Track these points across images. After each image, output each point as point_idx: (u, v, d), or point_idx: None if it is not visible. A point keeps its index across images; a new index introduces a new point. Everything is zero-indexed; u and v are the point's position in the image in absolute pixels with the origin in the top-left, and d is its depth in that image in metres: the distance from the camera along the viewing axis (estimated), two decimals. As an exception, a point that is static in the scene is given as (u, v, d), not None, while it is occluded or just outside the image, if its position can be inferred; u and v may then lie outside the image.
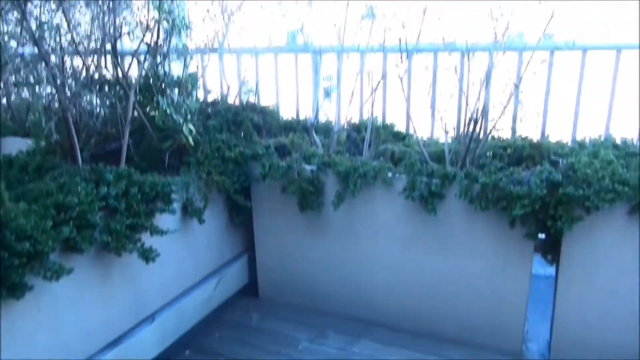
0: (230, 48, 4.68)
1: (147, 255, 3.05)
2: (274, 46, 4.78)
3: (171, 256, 3.54)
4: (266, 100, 5.01)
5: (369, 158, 3.82)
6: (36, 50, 3.05)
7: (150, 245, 3.08)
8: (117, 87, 3.72)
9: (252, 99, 4.88)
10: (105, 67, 3.93)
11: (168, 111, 3.45)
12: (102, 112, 3.82)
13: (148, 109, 3.87)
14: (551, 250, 3.38)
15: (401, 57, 4.04)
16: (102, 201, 2.89)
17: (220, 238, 4.12)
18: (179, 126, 3.54)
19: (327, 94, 4.36)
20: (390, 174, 3.58)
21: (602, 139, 3.79)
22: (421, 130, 4.42)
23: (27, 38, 2.94)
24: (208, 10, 4.42)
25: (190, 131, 3.64)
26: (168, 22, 3.42)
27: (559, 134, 4.10)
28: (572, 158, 3.18)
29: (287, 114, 4.99)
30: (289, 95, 5.14)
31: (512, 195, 3.07)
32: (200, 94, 4.76)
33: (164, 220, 3.27)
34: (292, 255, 4.16)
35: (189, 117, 3.58)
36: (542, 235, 3.34)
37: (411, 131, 4.36)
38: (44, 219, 2.53)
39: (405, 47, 4.01)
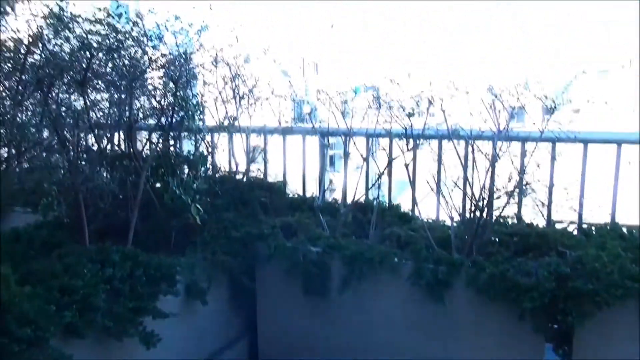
0: (240, 127, 4.81)
1: (149, 340, 2.98)
2: (283, 126, 4.90)
3: (171, 338, 3.45)
4: (273, 177, 5.08)
5: (375, 242, 3.82)
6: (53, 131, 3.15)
7: (151, 329, 3.01)
8: (129, 164, 3.79)
9: (260, 175, 4.96)
10: (119, 143, 4.04)
11: (177, 192, 3.50)
12: (112, 187, 3.87)
13: (157, 184, 3.93)
14: (563, 341, 3.29)
15: (407, 142, 4.15)
16: (106, 283, 2.87)
17: (222, 320, 4.03)
18: (187, 206, 3.57)
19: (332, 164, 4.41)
20: (396, 259, 3.56)
21: (609, 227, 3.79)
22: (427, 211, 4.45)
23: (47, 122, 3.05)
24: (220, 93, 4.59)
25: (198, 211, 3.67)
26: (182, 107, 3.55)
27: (565, 215, 4.11)
28: (580, 250, 3.17)
29: (294, 186, 5.03)
30: (296, 173, 5.22)
31: (520, 287, 3.04)
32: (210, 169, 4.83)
33: (166, 301, 3.22)
34: (295, 339, 4.05)
35: (197, 197, 3.62)
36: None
37: (417, 213, 4.38)
38: (48, 303, 2.51)
39: (411, 132, 4.13)
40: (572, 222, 3.90)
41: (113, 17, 3.22)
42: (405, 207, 4.60)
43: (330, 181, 4.76)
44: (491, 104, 3.82)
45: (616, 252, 3.07)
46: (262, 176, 5.02)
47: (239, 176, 4.86)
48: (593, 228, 3.76)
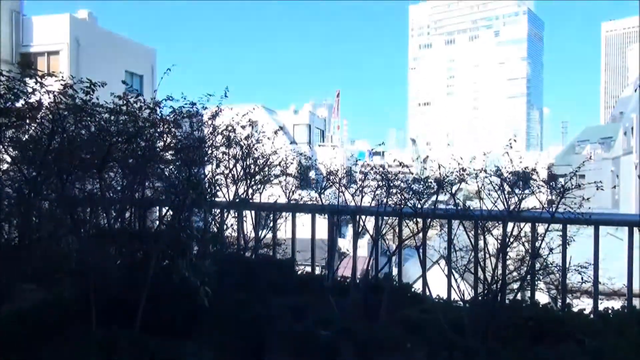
0: (250, 204, 4.86)
1: None
2: (292, 203, 4.95)
3: None
4: (282, 254, 5.06)
5: (386, 325, 3.73)
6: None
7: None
8: (140, 245, 3.80)
9: (270, 252, 4.94)
10: (131, 224, 4.07)
11: (187, 274, 3.48)
12: (120, 270, 3.86)
13: (167, 263, 3.91)
14: None
15: (416, 222, 4.15)
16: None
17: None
18: (196, 288, 3.53)
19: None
20: (409, 345, 3.46)
21: (626, 311, 3.70)
22: (438, 289, 4.37)
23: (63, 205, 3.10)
24: (230, 171, 4.68)
25: (207, 293, 3.62)
26: (194, 188, 3.60)
27: (581, 298, 4.02)
28: (598, 337, 3.08)
29: (302, 255, 4.99)
30: (305, 250, 5.19)
31: (539, 378, 2.93)
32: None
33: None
34: None
35: (206, 279, 3.59)
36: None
37: (428, 293, 4.30)
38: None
39: (421, 211, 4.14)
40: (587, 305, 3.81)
41: (131, 105, 3.35)
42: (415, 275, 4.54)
43: (341, 254, 4.72)
44: (500, 185, 3.86)
45: (637, 340, 2.97)
46: (271, 253, 5.01)
47: (248, 253, 4.84)
48: (610, 312, 3.66)
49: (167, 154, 3.72)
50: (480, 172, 3.99)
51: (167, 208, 3.84)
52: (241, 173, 4.65)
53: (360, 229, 4.33)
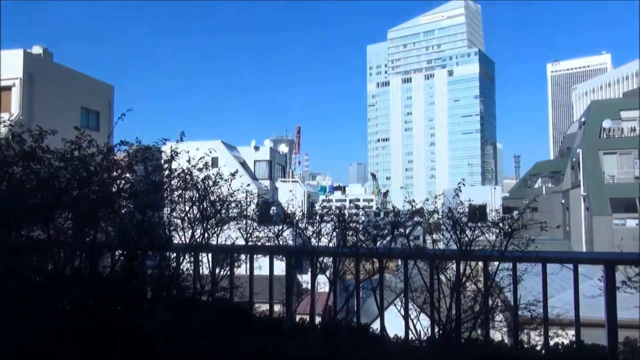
0: (207, 246, 4.78)
1: None
2: (250, 245, 4.90)
3: None
4: (240, 296, 4.98)
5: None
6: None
7: None
8: (89, 291, 3.67)
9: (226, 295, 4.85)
10: (81, 269, 3.94)
11: (139, 322, 3.38)
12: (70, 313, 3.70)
13: (119, 309, 3.79)
14: None
15: (372, 263, 4.20)
16: None
17: None
18: (149, 339, 3.43)
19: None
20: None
21: (575, 346, 3.81)
22: (396, 329, 4.39)
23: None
24: (187, 214, 4.62)
25: (161, 343, 3.52)
26: (148, 235, 3.54)
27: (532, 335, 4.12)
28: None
29: (264, 296, 4.92)
30: (263, 291, 5.13)
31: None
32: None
33: None
34: None
35: (160, 328, 3.50)
36: None
37: (386, 334, 4.31)
38: None
39: (377, 252, 4.20)
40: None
41: (83, 149, 3.30)
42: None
43: (303, 290, 4.69)
44: (452, 225, 3.97)
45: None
46: (228, 296, 4.92)
47: (204, 297, 4.74)
48: (560, 347, 3.77)
49: (120, 198, 3.65)
50: (433, 213, 4.10)
51: (119, 253, 3.74)
52: (198, 215, 4.60)
53: (317, 270, 4.33)
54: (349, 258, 4.31)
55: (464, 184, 4.07)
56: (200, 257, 4.82)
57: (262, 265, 4.88)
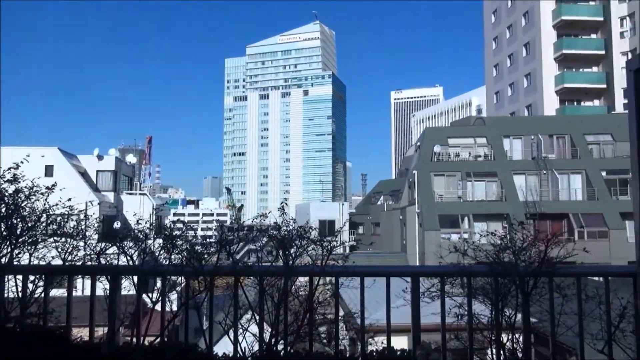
0: (14, 267, 4.27)
1: None
2: (68, 265, 4.48)
3: None
4: (55, 321, 4.53)
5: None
6: None
7: None
8: None
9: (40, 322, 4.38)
10: None
11: None
12: None
13: None
14: None
15: (202, 281, 4.14)
16: None
17: None
18: None
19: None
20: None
21: (386, 352, 4.17)
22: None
23: None
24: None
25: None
26: None
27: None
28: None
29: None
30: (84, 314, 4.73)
31: None
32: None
33: None
34: None
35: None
36: None
37: (214, 352, 4.26)
38: None
39: (202, 269, 4.15)
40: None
41: None
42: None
43: (122, 322, 4.42)
44: (280, 242, 4.11)
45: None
46: (41, 322, 4.45)
47: (10, 325, 4.22)
48: (375, 354, 4.08)
49: None
50: (268, 230, 4.21)
51: None
52: (5, 233, 4.10)
53: (142, 289, 4.14)
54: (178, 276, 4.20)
55: (286, 204, 4.24)
56: (6, 280, 4.30)
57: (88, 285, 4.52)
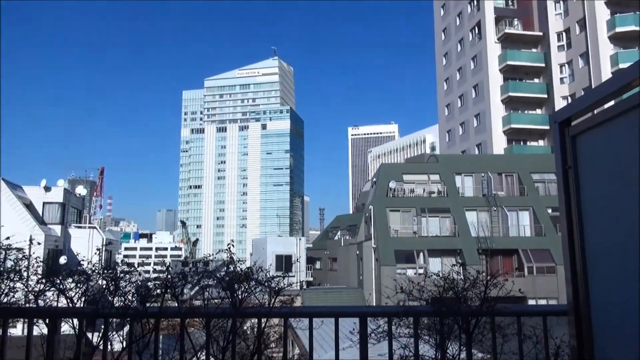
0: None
1: None
2: (3, 306, 4.26)
3: None
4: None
5: None
6: None
7: None
8: None
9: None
10: None
11: None
12: None
13: None
14: None
15: (146, 323, 4.03)
16: None
17: None
18: None
19: None
20: None
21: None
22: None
23: None
24: None
25: None
26: None
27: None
28: None
29: None
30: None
31: None
32: None
33: None
34: None
35: None
36: None
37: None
38: None
39: (146, 311, 4.05)
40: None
41: None
42: None
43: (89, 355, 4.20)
44: (227, 284, 4.07)
45: None
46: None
47: None
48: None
49: None
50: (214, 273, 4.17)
51: None
52: None
53: (82, 334, 3.97)
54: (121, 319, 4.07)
55: (233, 245, 4.23)
56: None
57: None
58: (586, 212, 2.57)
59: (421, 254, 29.85)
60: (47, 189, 32.81)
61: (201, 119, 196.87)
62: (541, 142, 43.30)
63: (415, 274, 28.19)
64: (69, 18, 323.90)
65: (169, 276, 3.87)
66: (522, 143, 43.22)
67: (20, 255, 4.40)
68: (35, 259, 4.71)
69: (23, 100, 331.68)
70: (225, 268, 4.48)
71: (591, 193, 2.55)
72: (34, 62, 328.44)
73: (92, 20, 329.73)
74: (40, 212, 31.62)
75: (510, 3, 45.91)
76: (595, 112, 2.49)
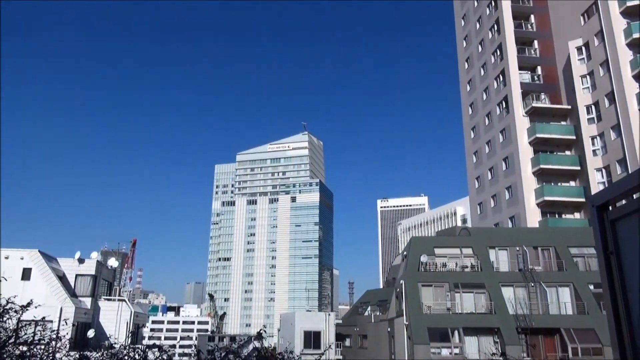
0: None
1: None
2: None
3: None
4: None
5: None
6: None
7: None
8: None
9: None
10: None
11: None
12: None
13: None
14: None
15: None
16: None
17: None
18: None
19: None
20: None
21: None
22: None
23: None
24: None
25: None
26: None
27: None
28: None
29: None
30: None
31: None
32: None
33: None
34: None
35: None
36: None
37: None
38: None
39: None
40: None
41: None
42: None
43: None
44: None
45: None
46: None
47: None
48: None
49: None
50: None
51: None
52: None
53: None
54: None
55: (265, 331, 4.16)
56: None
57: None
58: (632, 299, 2.46)
59: (456, 332, 28.45)
60: (80, 261, 33.36)
61: (232, 192, 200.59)
62: (577, 215, 42.13)
63: (450, 354, 26.79)
64: (104, 95, 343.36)
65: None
66: (557, 216, 42.12)
67: (53, 336, 4.42)
68: (64, 335, 4.72)
69: (69, 175, 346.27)
70: (252, 345, 4.39)
71: (636, 279, 2.45)
72: (69, 141, 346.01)
73: (129, 94, 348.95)
74: (72, 284, 31.96)
75: (536, 78, 46.62)
76: (634, 196, 2.45)
